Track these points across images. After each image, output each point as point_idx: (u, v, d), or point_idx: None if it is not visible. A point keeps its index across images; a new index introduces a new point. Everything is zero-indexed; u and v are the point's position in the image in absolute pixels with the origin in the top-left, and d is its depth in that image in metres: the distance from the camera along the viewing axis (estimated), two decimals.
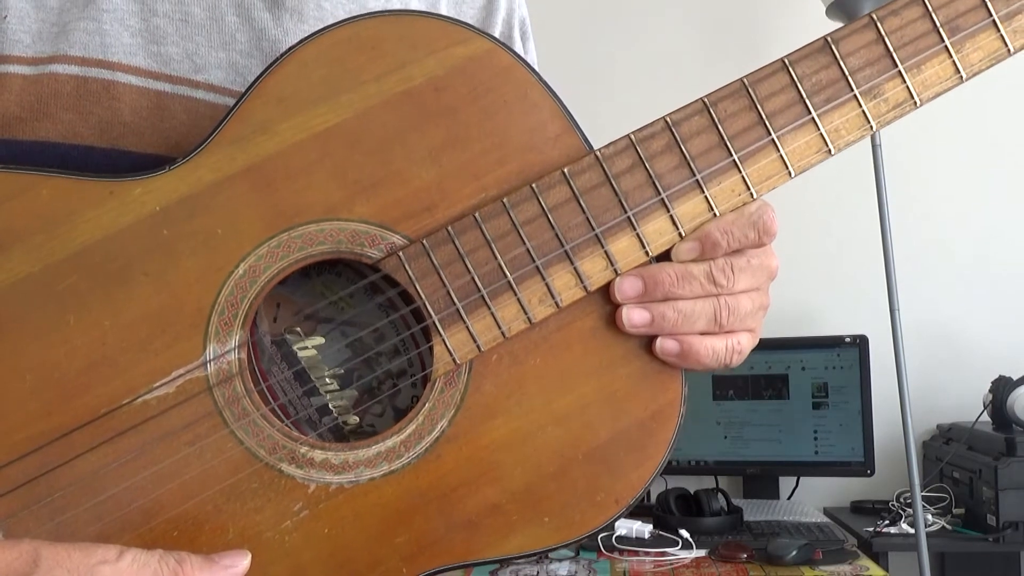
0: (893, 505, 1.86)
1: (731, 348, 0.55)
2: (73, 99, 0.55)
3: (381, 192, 0.53)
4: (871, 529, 1.77)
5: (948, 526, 1.78)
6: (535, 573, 1.49)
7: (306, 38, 0.53)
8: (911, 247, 1.98)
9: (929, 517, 1.76)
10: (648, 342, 0.55)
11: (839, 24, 0.56)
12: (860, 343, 1.90)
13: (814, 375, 1.93)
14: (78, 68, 0.56)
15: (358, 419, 0.58)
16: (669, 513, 1.71)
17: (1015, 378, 1.77)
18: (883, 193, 1.69)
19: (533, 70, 0.54)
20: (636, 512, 1.68)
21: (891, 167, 1.73)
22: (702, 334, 0.55)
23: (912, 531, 1.67)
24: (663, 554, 1.57)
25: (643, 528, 1.65)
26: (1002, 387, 1.77)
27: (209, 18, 0.59)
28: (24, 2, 0.56)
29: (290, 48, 0.53)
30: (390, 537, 0.52)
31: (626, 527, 1.64)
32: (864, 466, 1.88)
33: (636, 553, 1.59)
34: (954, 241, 2.07)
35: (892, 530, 1.76)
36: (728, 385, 1.96)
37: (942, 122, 1.96)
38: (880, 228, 1.69)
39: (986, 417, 1.81)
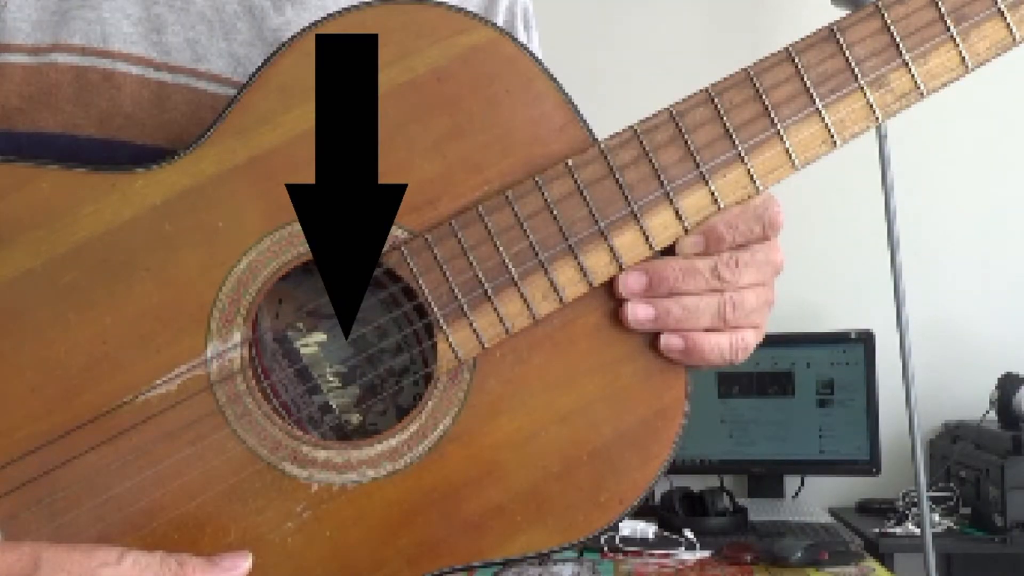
0: (899, 505, 1.85)
1: (736, 344, 0.55)
2: (74, 90, 0.55)
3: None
4: (877, 530, 1.76)
5: (955, 526, 1.76)
6: (538, 574, 1.48)
7: (308, 27, 0.52)
8: (918, 241, 1.96)
9: (936, 518, 1.74)
10: (652, 339, 0.54)
11: (845, 11, 0.55)
12: (866, 339, 1.89)
13: (819, 372, 1.92)
14: (78, 58, 0.55)
15: (361, 418, 0.57)
16: (673, 513, 1.71)
17: (1023, 375, 1.76)
18: (889, 185, 1.67)
19: (537, 60, 0.54)
20: (640, 512, 1.67)
21: (897, 158, 1.71)
22: (707, 330, 0.54)
23: (918, 532, 1.66)
24: (667, 555, 1.56)
25: (647, 528, 1.64)
26: (1009, 384, 1.76)
27: (210, 6, 0.59)
28: None
29: (292, 38, 0.52)
30: (393, 538, 0.52)
31: (630, 527, 1.63)
32: (870, 465, 1.87)
33: (640, 554, 1.58)
34: (962, 235, 2.05)
35: (898, 531, 1.75)
36: (733, 382, 1.95)
37: (950, 112, 1.94)
38: (886, 221, 1.67)
39: (993, 415, 1.80)
